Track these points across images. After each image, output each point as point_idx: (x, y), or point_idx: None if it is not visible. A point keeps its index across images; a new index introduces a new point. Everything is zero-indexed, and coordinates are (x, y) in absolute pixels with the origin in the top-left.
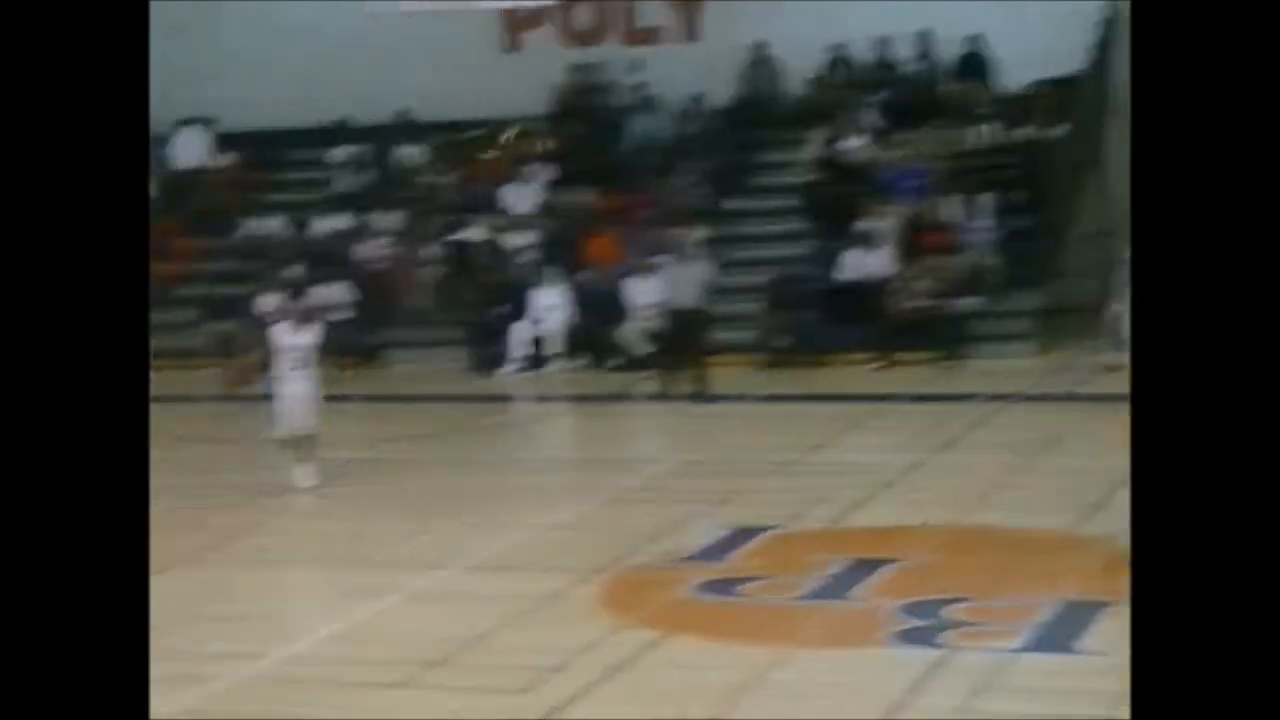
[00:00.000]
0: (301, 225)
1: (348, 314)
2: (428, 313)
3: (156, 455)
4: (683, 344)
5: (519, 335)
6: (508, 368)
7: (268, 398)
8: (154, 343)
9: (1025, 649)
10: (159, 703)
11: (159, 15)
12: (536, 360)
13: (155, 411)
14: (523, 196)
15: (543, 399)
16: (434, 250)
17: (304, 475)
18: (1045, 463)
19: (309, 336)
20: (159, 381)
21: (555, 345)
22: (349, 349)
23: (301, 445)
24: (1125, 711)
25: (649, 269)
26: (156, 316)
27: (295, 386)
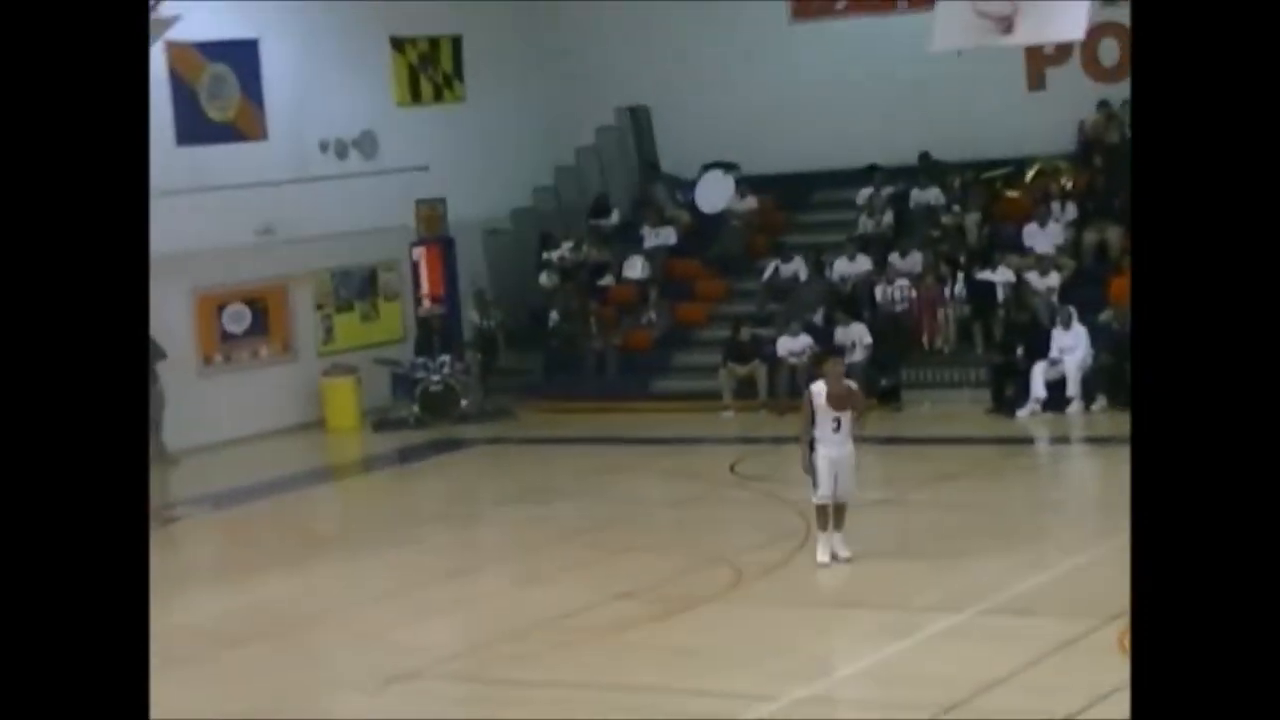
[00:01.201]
0: (822, 267)
1: (867, 355)
2: (948, 354)
3: (678, 495)
4: None
5: (1039, 376)
6: (1028, 408)
7: (781, 441)
8: (677, 384)
9: None
10: None
11: (685, 72)
12: (1057, 401)
13: (676, 452)
14: (1045, 235)
15: (1064, 440)
16: (955, 290)
17: (836, 545)
18: None
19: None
20: (681, 423)
21: (1075, 386)
22: (869, 391)
23: (837, 513)
24: None
25: None
26: (681, 358)
27: (835, 449)
